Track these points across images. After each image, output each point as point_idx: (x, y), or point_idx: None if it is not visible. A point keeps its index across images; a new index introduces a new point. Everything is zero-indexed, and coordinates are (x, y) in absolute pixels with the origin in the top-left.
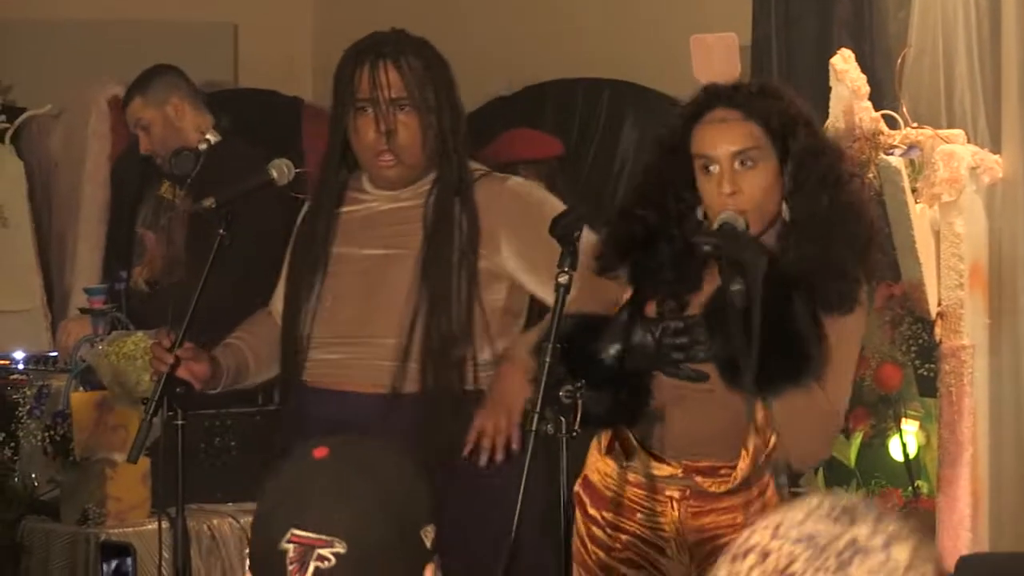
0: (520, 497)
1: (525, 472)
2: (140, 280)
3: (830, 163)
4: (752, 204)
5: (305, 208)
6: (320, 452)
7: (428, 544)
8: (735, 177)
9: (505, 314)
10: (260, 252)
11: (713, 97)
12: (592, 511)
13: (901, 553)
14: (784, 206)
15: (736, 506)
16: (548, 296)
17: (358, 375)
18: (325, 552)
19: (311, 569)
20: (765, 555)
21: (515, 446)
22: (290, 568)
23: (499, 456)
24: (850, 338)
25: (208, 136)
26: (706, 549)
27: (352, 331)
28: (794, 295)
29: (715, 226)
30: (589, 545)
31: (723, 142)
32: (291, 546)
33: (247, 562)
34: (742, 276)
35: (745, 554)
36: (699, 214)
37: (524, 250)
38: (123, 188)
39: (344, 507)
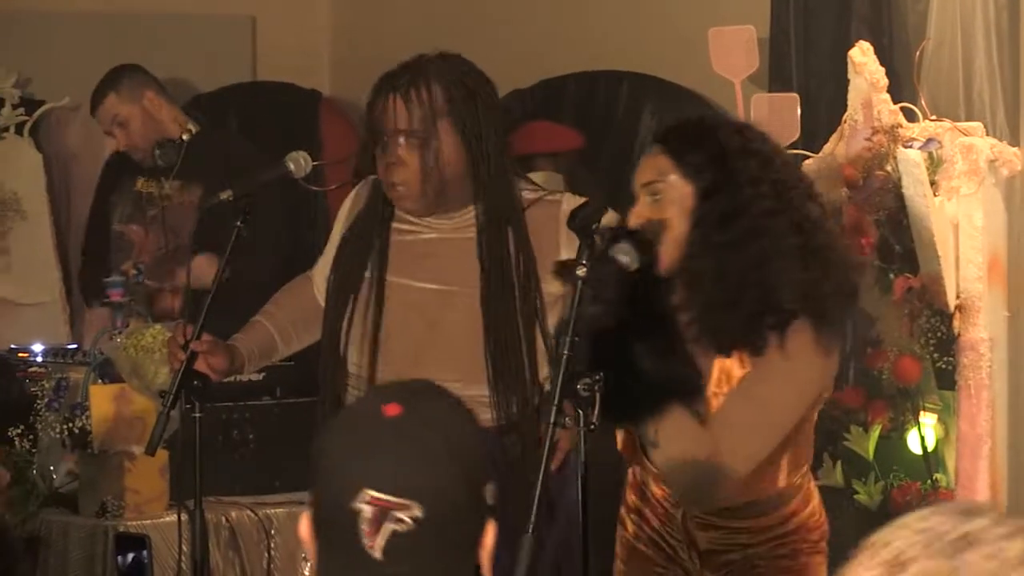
0: (537, 492)
1: (543, 466)
2: (131, 273)
3: (735, 200)
4: (660, 237)
5: (351, 213)
6: (393, 410)
7: (490, 501)
8: (643, 208)
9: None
10: (284, 243)
11: (655, 136)
12: (629, 493)
13: (1016, 545)
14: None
15: (746, 529)
16: None
17: None
18: (402, 515)
19: (388, 532)
20: (884, 545)
21: None
22: (363, 530)
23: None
24: (772, 384)
25: (190, 126)
26: (718, 560)
27: (407, 369)
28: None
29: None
30: (626, 521)
31: (638, 175)
32: (366, 507)
33: (306, 519)
34: (596, 299)
35: (867, 546)
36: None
37: None
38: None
39: (422, 469)
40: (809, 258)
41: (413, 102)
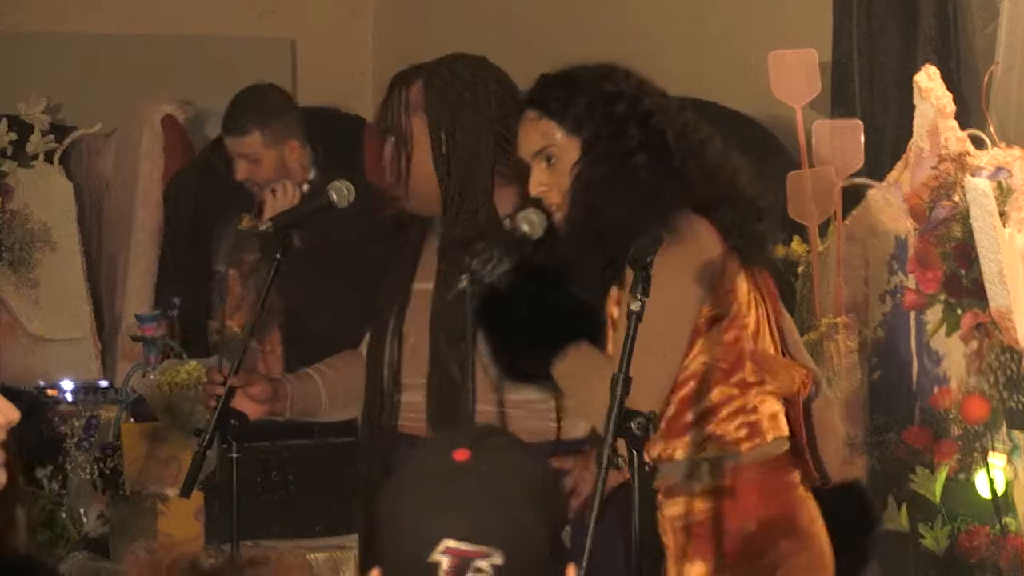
0: (589, 536)
1: (595, 509)
2: (233, 326)
3: (624, 142)
4: (559, 196)
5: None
6: (462, 455)
7: (568, 545)
8: (541, 175)
9: None
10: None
11: (526, 99)
12: None
13: None
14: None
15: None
16: None
17: (411, 418)
18: (482, 564)
19: None
20: None
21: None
22: None
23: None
24: (652, 312)
25: (311, 177)
26: None
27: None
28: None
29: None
30: None
31: (524, 144)
32: (445, 558)
33: None
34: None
35: None
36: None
37: None
38: (176, 211)
39: (498, 514)
40: (677, 180)
41: (394, 98)
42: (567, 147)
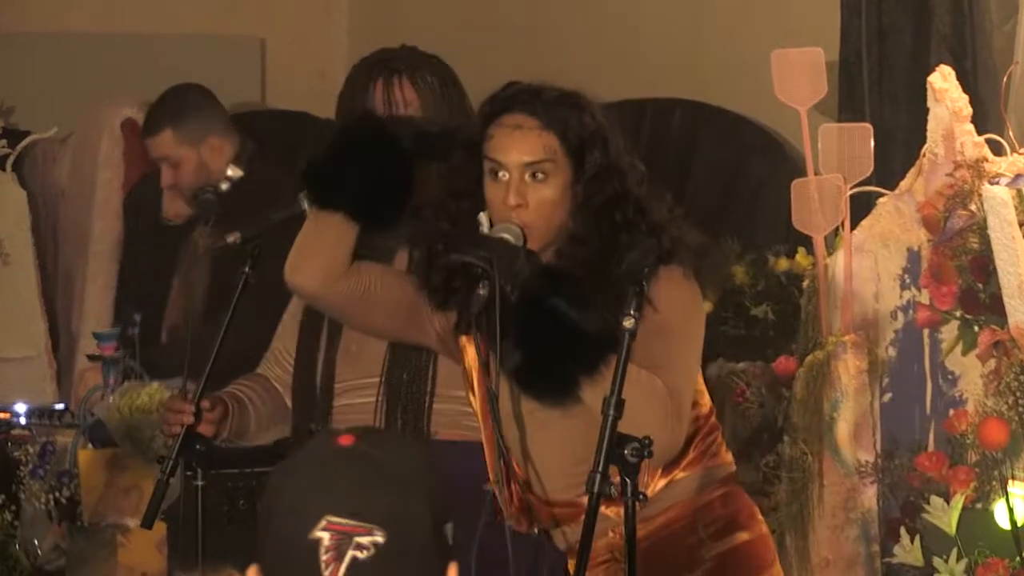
0: (580, 561)
1: (589, 538)
2: (162, 330)
3: (621, 183)
4: (538, 217)
5: None
6: (346, 440)
7: (451, 542)
8: (523, 188)
9: None
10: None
11: (510, 100)
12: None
13: None
14: (571, 221)
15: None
16: None
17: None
18: (364, 540)
19: (347, 559)
20: None
21: None
22: (324, 558)
23: None
24: (672, 328)
25: (229, 173)
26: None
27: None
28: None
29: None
30: None
31: (516, 151)
32: (326, 534)
33: (254, 571)
34: (488, 280)
35: None
36: (482, 217)
37: None
38: (138, 221)
39: (383, 493)
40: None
41: (420, 86)
42: (562, 167)
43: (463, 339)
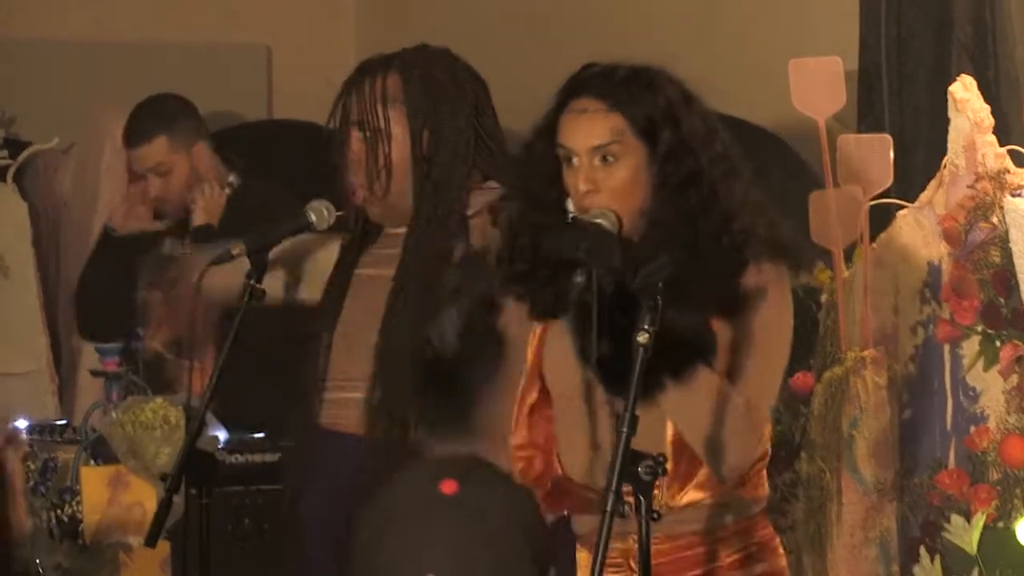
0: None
1: (599, 554)
2: (155, 345)
3: (694, 163)
4: (613, 201)
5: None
6: (450, 487)
7: None
8: (594, 173)
9: None
10: None
11: (580, 84)
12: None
13: None
14: (652, 203)
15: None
16: None
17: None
18: None
19: None
20: None
21: None
22: None
23: None
24: (762, 331)
25: (231, 179)
26: None
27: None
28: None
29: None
30: None
31: (582, 135)
32: None
33: None
34: (586, 269)
35: None
36: (568, 204)
37: None
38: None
39: (488, 551)
40: (766, 212)
41: (365, 93)
42: (632, 148)
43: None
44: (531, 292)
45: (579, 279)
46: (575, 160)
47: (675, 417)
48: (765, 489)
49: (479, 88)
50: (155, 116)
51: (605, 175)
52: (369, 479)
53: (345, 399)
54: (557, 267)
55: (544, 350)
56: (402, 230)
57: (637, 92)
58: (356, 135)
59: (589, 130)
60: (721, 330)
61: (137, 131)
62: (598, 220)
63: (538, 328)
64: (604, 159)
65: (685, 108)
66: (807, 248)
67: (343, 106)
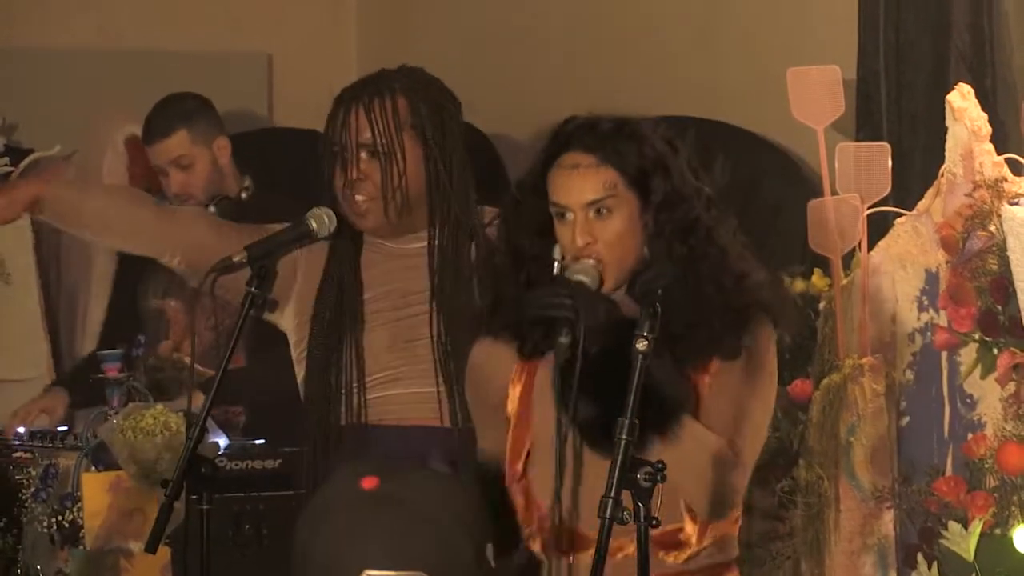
0: None
1: (601, 562)
2: (171, 354)
3: (689, 210)
4: (609, 252)
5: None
6: (370, 482)
7: (492, 562)
8: (590, 227)
9: None
10: None
11: (566, 138)
12: None
13: None
14: (646, 251)
15: None
16: None
17: (413, 410)
18: None
19: None
20: None
21: None
22: None
23: None
24: (749, 385)
25: (247, 183)
26: None
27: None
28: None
29: (568, 278)
30: None
31: (576, 191)
32: None
33: None
34: (571, 328)
35: None
36: (556, 253)
37: None
38: None
39: (420, 537)
40: (754, 259)
41: (375, 114)
42: (625, 200)
43: (517, 365)
44: (520, 334)
45: (563, 339)
46: (569, 215)
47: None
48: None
49: (458, 112)
50: (174, 112)
51: (601, 227)
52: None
53: (403, 395)
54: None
55: (535, 390)
56: (393, 241)
57: (625, 144)
58: (363, 156)
59: (582, 186)
60: (709, 380)
61: (156, 127)
62: (579, 277)
63: (522, 372)
64: (598, 212)
65: (673, 156)
66: (790, 305)
67: (346, 125)
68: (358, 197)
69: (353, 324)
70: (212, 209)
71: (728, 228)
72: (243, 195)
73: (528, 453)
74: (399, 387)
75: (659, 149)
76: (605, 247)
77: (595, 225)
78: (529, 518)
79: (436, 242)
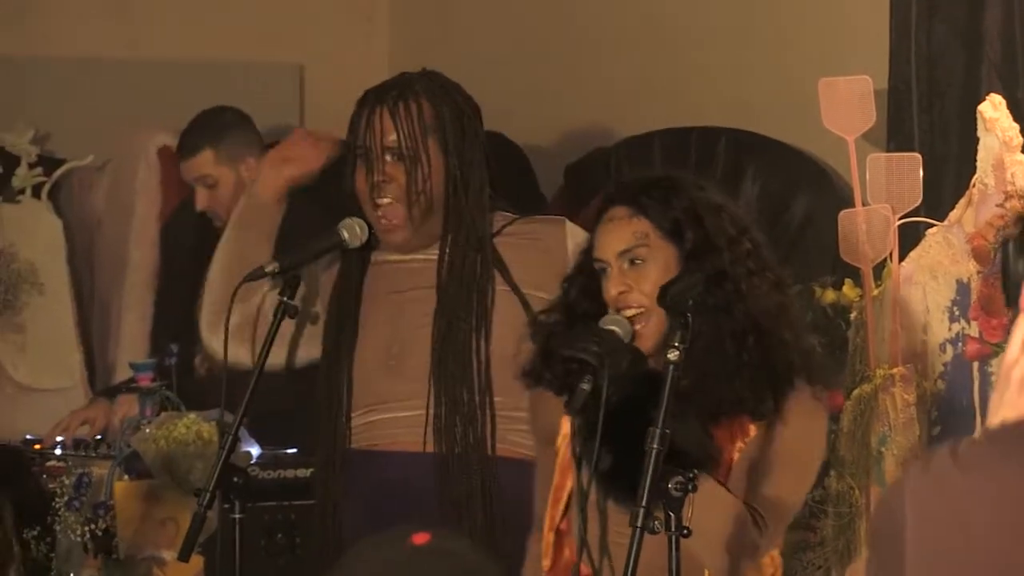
0: None
1: (630, 569)
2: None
3: (718, 261)
4: (645, 298)
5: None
6: (421, 538)
7: None
8: (623, 276)
9: None
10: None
11: (610, 195)
12: None
13: None
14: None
15: None
16: None
17: (402, 434)
18: None
19: None
20: None
21: None
22: None
23: None
24: (788, 452)
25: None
26: None
27: (388, 395)
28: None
29: (601, 327)
30: None
31: (610, 242)
32: None
33: None
34: (593, 375)
35: None
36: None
37: None
38: (175, 251)
39: None
40: (791, 317)
41: (401, 116)
42: (659, 249)
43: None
44: (567, 387)
45: (584, 386)
46: (608, 269)
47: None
48: None
49: (479, 114)
50: (204, 129)
51: (635, 277)
52: (445, 492)
53: (392, 419)
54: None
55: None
56: (405, 255)
57: (660, 195)
58: (388, 158)
59: (616, 237)
60: (741, 445)
61: (186, 143)
62: (611, 327)
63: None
64: (632, 262)
65: (710, 209)
66: (832, 369)
67: (370, 127)
68: (382, 200)
69: (349, 343)
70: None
71: (769, 284)
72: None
73: (567, 504)
74: (386, 412)
75: (695, 200)
76: (640, 294)
77: (629, 274)
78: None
79: (447, 253)
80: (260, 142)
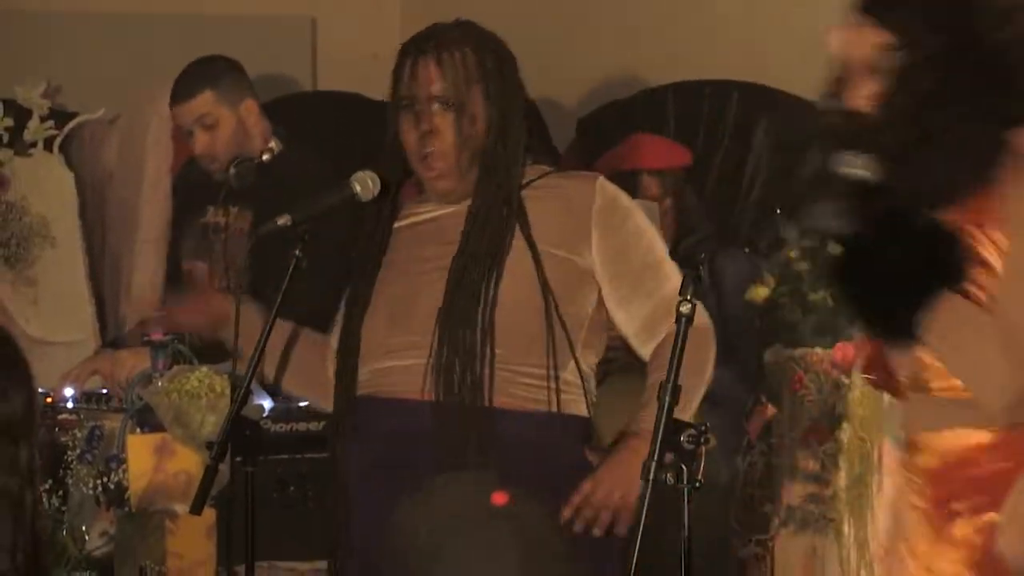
0: (635, 555)
1: (640, 527)
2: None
3: None
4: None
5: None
6: (501, 498)
7: None
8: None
9: (595, 326)
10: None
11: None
12: None
13: None
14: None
15: None
16: (620, 319)
17: (403, 382)
18: None
19: None
20: None
21: (620, 530)
22: None
23: (597, 532)
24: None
25: (271, 144)
26: None
27: (395, 346)
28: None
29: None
30: None
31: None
32: None
33: None
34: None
35: None
36: None
37: (611, 257)
38: (186, 203)
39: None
40: None
41: (446, 65)
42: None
43: None
44: None
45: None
46: None
47: (939, 355)
48: None
49: (516, 64)
50: (201, 73)
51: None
52: (443, 440)
53: (396, 367)
54: None
55: None
56: (442, 207)
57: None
58: (436, 107)
59: (859, 46)
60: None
61: (183, 88)
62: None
63: None
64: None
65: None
66: None
67: (414, 77)
68: (431, 148)
69: (365, 290)
70: (232, 171)
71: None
72: (264, 157)
73: None
74: (389, 360)
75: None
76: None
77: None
78: None
79: (477, 201)
80: (252, 88)
